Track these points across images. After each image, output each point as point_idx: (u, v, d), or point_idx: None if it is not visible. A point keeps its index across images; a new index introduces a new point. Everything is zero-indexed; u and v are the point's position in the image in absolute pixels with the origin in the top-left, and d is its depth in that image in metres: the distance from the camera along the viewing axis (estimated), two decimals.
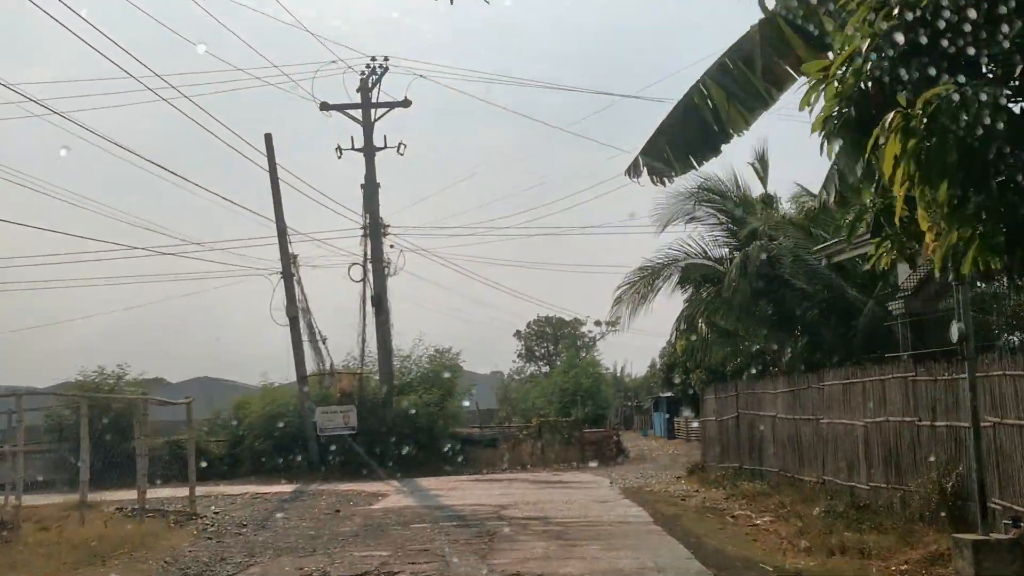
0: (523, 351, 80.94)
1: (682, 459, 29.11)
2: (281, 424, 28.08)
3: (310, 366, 29.27)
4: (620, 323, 24.41)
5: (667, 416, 45.71)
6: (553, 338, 77.45)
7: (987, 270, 5.61)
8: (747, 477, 19.31)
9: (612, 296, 23.54)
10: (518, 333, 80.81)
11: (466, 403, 35.53)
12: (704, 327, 23.66)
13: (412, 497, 20.84)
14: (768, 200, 24.72)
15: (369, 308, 30.19)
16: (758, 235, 21.17)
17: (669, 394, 43.47)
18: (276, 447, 28.05)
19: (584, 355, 56.46)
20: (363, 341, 30.29)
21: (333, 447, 27.79)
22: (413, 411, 29.18)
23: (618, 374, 62.57)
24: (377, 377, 30.46)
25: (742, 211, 23.09)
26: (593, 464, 30.03)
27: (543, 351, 78.08)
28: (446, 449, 29.26)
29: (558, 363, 59.70)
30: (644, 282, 23.22)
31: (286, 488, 23.76)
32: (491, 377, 56.62)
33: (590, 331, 74.44)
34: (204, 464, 23.71)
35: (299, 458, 27.57)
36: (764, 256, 18.98)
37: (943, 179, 5.09)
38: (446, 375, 32.08)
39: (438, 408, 30.66)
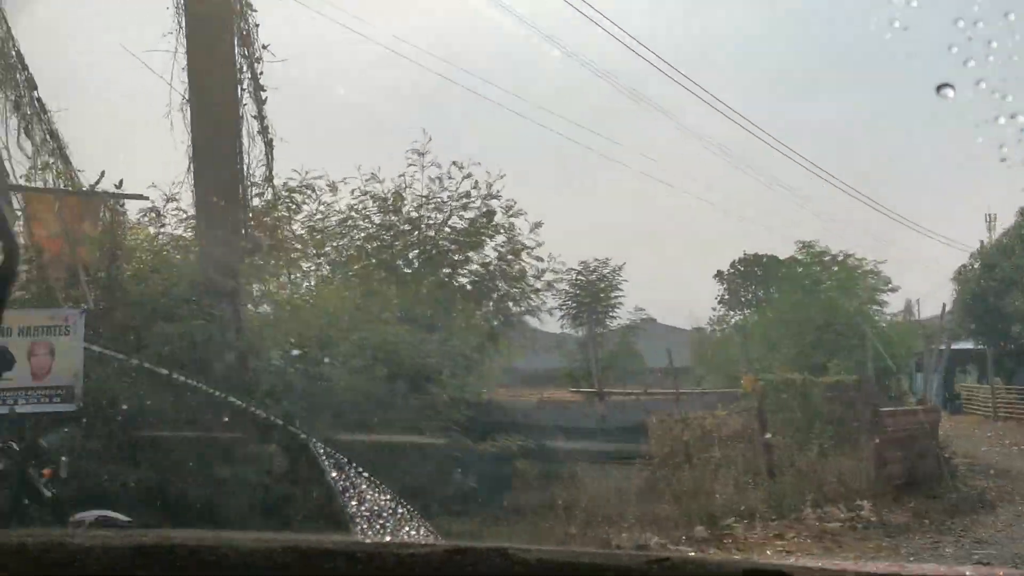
0: (724, 295, 62.93)
1: None
2: None
3: None
4: None
5: (941, 378, 32.62)
6: (764, 281, 57.99)
7: None
8: None
9: None
10: (719, 275, 63.60)
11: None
12: None
13: None
14: None
15: None
16: None
17: (964, 345, 29.67)
18: None
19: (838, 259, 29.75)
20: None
21: None
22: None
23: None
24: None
25: None
26: (907, 522, 10.69)
27: (749, 296, 59.12)
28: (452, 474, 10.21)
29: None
30: None
31: None
32: (693, 334, 37.01)
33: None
34: None
35: None
36: None
37: None
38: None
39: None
